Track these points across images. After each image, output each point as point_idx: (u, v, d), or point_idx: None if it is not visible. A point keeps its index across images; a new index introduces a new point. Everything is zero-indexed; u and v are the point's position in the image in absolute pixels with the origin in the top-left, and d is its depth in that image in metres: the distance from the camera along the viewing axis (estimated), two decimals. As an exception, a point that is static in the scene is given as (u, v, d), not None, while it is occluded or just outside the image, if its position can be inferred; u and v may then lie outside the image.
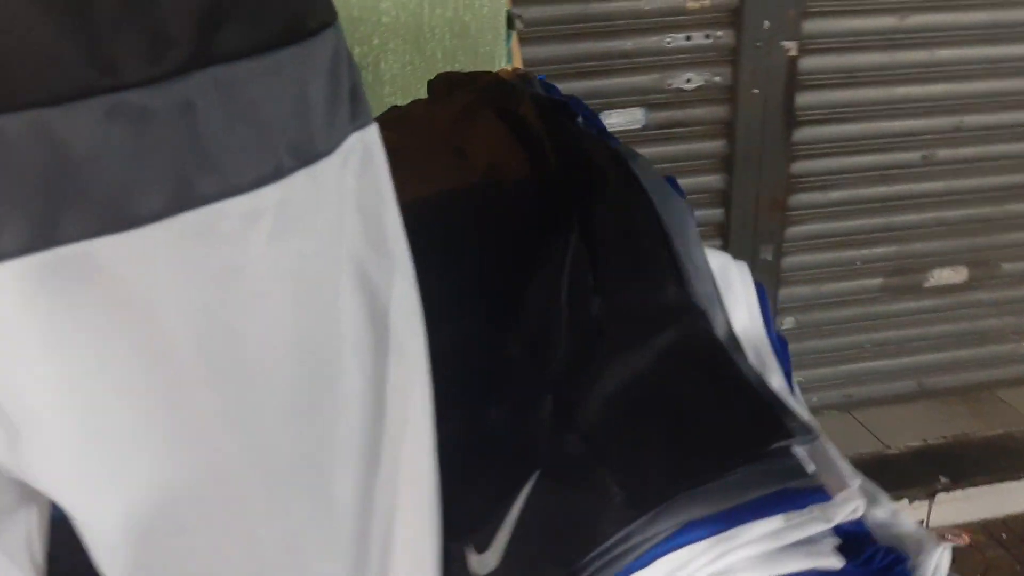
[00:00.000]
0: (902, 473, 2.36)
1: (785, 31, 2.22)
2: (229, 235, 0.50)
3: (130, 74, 0.45)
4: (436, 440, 0.66)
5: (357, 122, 0.59)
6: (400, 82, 1.73)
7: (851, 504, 0.68)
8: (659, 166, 2.25)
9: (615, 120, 2.27)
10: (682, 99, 2.28)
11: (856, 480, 0.74)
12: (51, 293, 0.46)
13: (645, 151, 2.34)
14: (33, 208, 0.44)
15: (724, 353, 0.71)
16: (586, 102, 2.19)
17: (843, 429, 2.52)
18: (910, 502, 2.31)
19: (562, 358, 0.69)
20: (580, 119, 0.92)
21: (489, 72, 0.98)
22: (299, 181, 0.53)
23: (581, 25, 2.19)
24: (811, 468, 0.72)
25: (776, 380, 0.82)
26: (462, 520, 0.66)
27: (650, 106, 2.27)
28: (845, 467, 0.77)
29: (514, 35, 1.97)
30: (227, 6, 0.48)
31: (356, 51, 1.72)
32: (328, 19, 0.57)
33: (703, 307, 0.74)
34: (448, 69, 1.78)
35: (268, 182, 0.51)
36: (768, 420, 0.67)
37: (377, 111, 0.98)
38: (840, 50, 2.28)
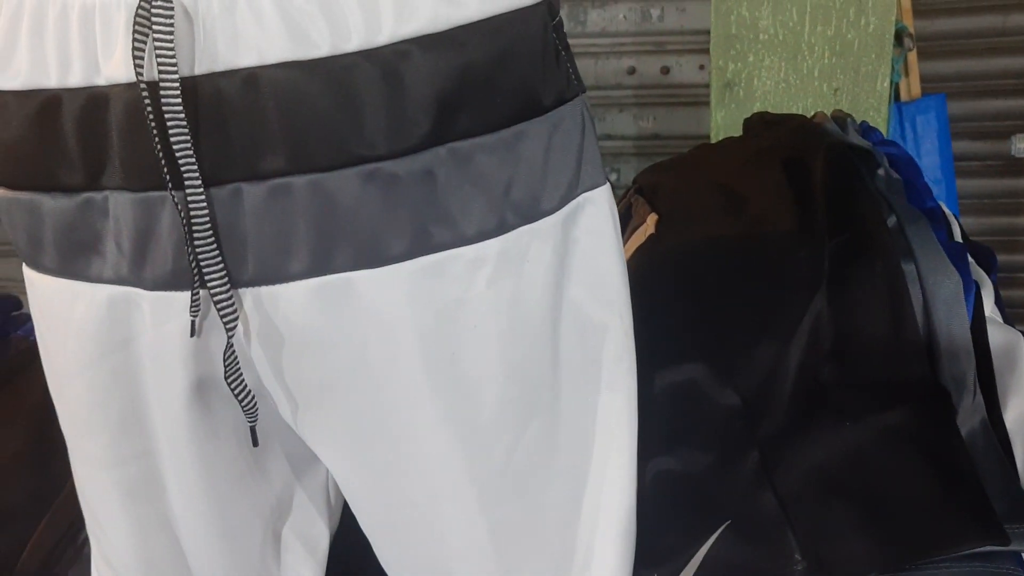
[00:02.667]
0: None
1: None
2: (457, 276, 0.61)
3: (383, 148, 0.57)
4: (640, 471, 0.72)
5: (587, 184, 0.66)
6: (772, 99, 1.73)
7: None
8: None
9: (1027, 145, 2.04)
10: (1120, 126, 1.98)
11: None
12: (322, 308, 0.60)
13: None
14: (313, 244, 0.59)
15: (956, 442, 0.68)
16: (994, 123, 2.01)
17: None
18: None
19: (779, 418, 0.71)
20: (881, 170, 0.89)
21: (800, 116, 0.99)
22: (520, 235, 0.62)
23: (998, 39, 1.99)
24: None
25: (1044, 478, 0.75)
26: (655, 550, 0.71)
27: (1075, 132, 2.01)
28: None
29: (911, 52, 1.86)
30: (463, 98, 0.58)
31: (730, 68, 1.76)
32: (567, 95, 0.65)
33: (948, 390, 0.71)
34: (824, 87, 1.74)
35: (491, 236, 0.61)
36: (982, 519, 0.63)
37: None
38: None
